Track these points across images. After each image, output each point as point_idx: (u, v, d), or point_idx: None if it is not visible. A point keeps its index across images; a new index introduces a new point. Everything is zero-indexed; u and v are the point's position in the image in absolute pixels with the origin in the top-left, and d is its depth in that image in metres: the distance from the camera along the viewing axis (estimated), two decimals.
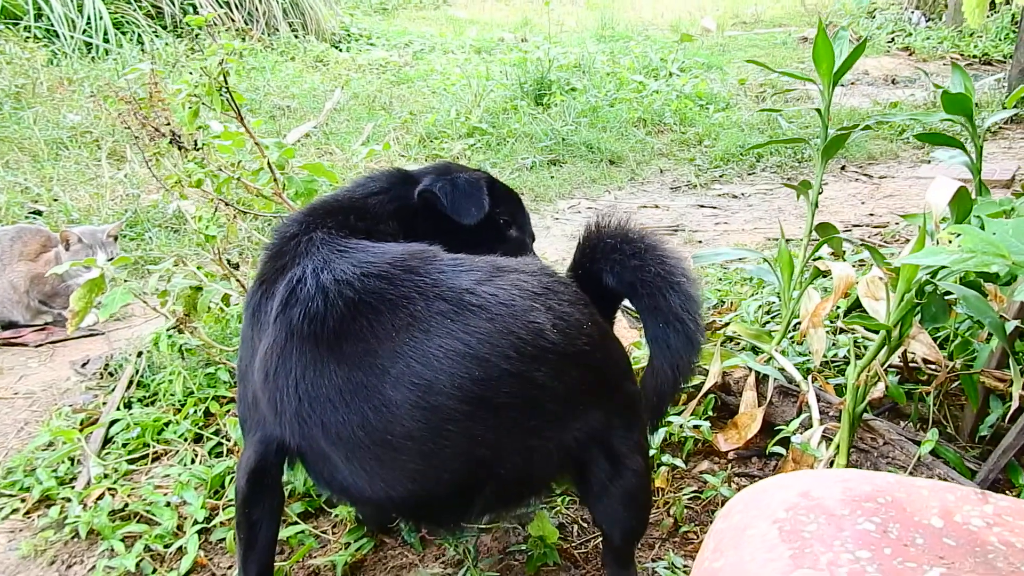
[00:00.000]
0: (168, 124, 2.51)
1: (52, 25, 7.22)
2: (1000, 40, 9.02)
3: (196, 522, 2.14)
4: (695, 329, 1.65)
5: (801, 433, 2.19)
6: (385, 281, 1.51)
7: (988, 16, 9.71)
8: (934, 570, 0.76)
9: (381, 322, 1.45)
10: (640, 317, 1.75)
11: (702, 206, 4.93)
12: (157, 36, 7.73)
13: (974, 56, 8.84)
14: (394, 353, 1.42)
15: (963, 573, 0.75)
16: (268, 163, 2.53)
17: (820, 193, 2.64)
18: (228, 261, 2.60)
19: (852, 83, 8.02)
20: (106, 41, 7.34)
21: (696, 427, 2.39)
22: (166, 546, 2.09)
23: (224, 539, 2.12)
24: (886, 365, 2.09)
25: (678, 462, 2.30)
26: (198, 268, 2.48)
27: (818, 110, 2.60)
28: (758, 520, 0.86)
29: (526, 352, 1.42)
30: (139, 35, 7.64)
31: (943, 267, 1.97)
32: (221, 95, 2.35)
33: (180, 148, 2.46)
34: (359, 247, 1.64)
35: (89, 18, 7.35)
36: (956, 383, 2.27)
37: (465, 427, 1.40)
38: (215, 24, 7.67)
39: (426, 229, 1.84)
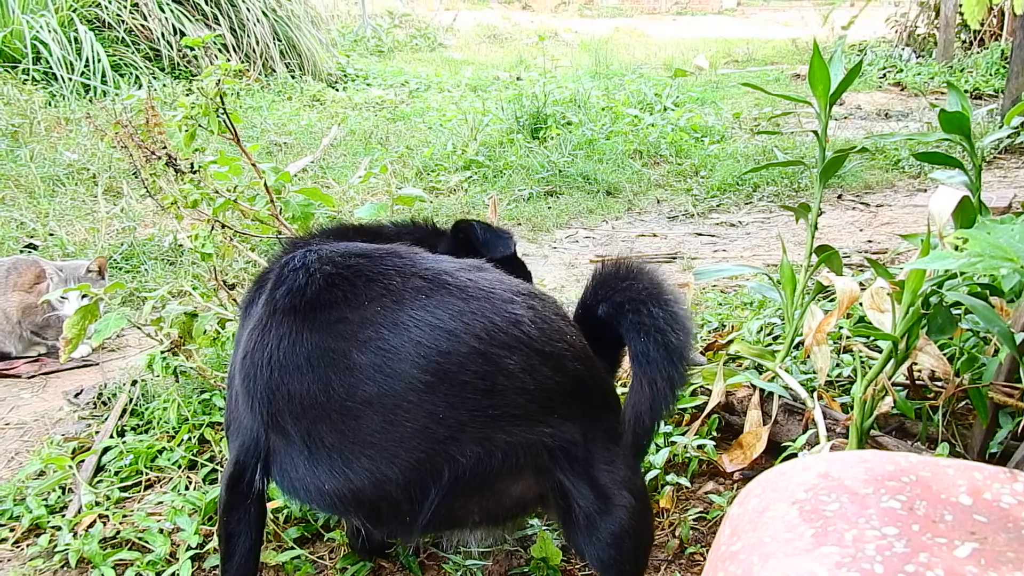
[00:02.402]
0: (164, 148, 2.50)
1: (50, 67, 7.27)
2: (991, 75, 9.13)
3: (189, 548, 2.08)
4: (679, 343, 1.57)
5: (808, 450, 2.14)
6: (365, 259, 1.52)
7: (978, 52, 9.86)
8: (966, 545, 0.72)
9: (356, 293, 1.45)
10: (625, 337, 1.66)
11: (700, 234, 4.93)
12: (155, 78, 7.80)
13: (965, 91, 8.93)
14: (364, 320, 1.41)
15: (997, 548, 0.72)
16: (265, 186, 2.52)
17: (820, 214, 2.63)
18: (224, 282, 2.58)
19: (845, 117, 8.09)
20: (104, 83, 7.39)
21: (700, 447, 2.34)
22: (158, 573, 2.03)
23: (218, 566, 2.06)
24: (892, 380, 2.06)
25: (683, 481, 2.26)
26: (194, 288, 2.45)
27: (815, 132, 2.60)
28: (777, 502, 0.83)
29: (498, 337, 1.39)
30: (137, 76, 7.70)
31: (949, 277, 1.96)
32: (218, 116, 2.34)
33: (177, 171, 2.44)
34: (350, 244, 1.66)
35: (87, 60, 7.42)
36: (964, 402, 2.23)
37: (425, 399, 1.36)
38: (214, 58, 7.74)
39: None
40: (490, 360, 1.37)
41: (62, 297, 3.31)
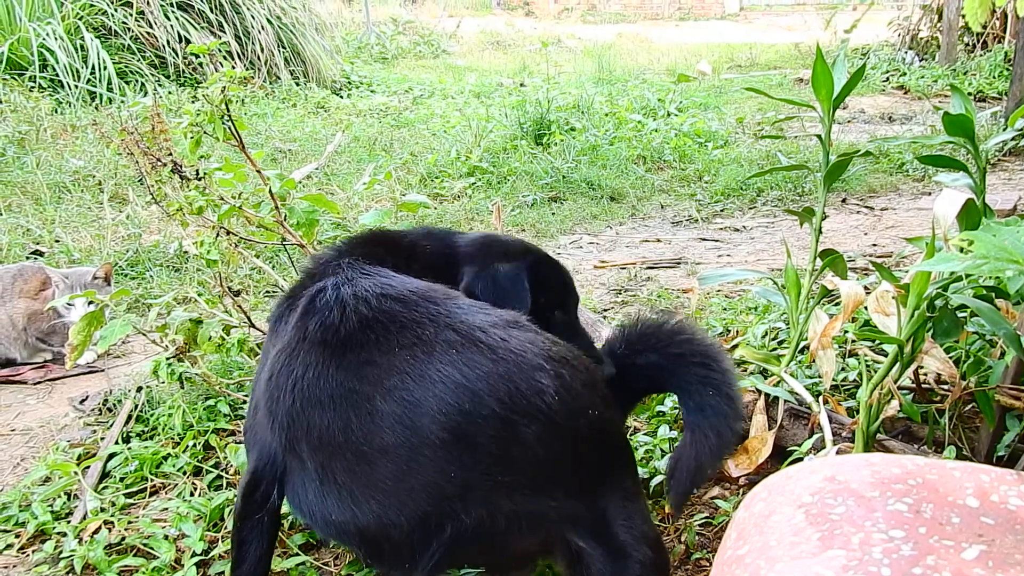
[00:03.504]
0: (170, 155, 2.51)
1: (57, 75, 7.31)
2: (994, 78, 9.11)
3: (195, 554, 2.09)
4: (739, 399, 1.67)
5: (814, 455, 2.14)
6: (401, 304, 1.52)
7: (981, 55, 9.85)
8: (973, 547, 0.72)
9: (388, 339, 1.46)
10: (684, 387, 1.74)
11: (704, 239, 4.92)
12: (160, 85, 7.83)
13: (969, 93, 8.92)
14: (391, 367, 1.42)
15: (1004, 550, 0.71)
16: (270, 192, 2.52)
17: (824, 218, 2.63)
18: (229, 288, 2.58)
19: (849, 121, 8.08)
20: (110, 90, 7.43)
21: None
22: None
23: (223, 572, 2.06)
24: (898, 383, 2.05)
25: None
26: (199, 295, 2.45)
27: (819, 136, 2.59)
28: (783, 506, 0.82)
29: (520, 405, 1.39)
30: (142, 84, 7.74)
31: (954, 280, 1.95)
32: (223, 123, 2.35)
33: (182, 177, 2.45)
34: (383, 272, 1.66)
35: (93, 68, 7.45)
36: (970, 405, 2.22)
37: (440, 456, 1.37)
38: (219, 65, 7.76)
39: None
40: (508, 427, 1.38)
41: (68, 304, 3.32)
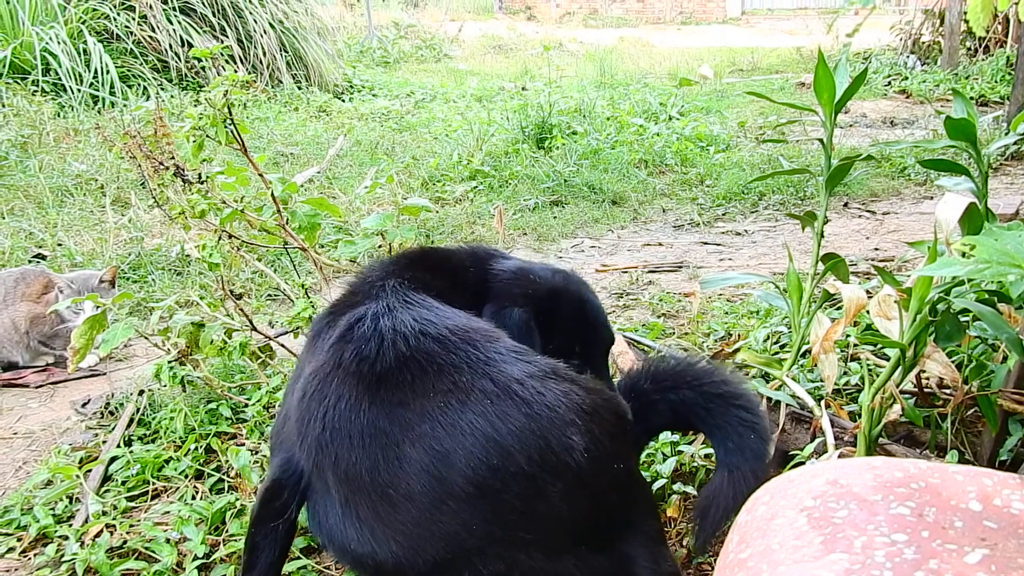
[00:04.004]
0: (173, 158, 2.51)
1: (59, 79, 7.32)
2: (996, 82, 9.11)
3: (196, 558, 2.08)
4: (770, 444, 1.69)
5: (816, 459, 2.13)
6: (440, 345, 1.51)
7: (983, 59, 9.86)
8: (976, 551, 0.72)
9: (423, 381, 1.45)
10: (719, 427, 1.75)
11: (706, 243, 4.92)
12: (163, 89, 7.84)
13: (971, 98, 8.91)
14: (424, 412, 1.41)
15: (1007, 555, 0.71)
16: (272, 196, 2.52)
17: (826, 222, 2.63)
18: (231, 291, 2.58)
19: (851, 125, 8.08)
20: (112, 94, 7.44)
21: (708, 456, 2.33)
22: None
23: (225, 575, 2.06)
24: (900, 387, 2.05)
25: (690, 490, 2.25)
26: (201, 298, 2.45)
27: (821, 140, 2.59)
28: (785, 509, 0.82)
29: (549, 462, 1.39)
30: (145, 88, 7.75)
31: (956, 284, 1.95)
32: (225, 127, 2.35)
33: (184, 181, 2.45)
34: (425, 303, 1.65)
35: (96, 72, 7.46)
36: (972, 409, 2.22)
37: (464, 509, 1.37)
38: (221, 69, 7.79)
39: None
40: (535, 485, 1.38)
41: (77, 308, 3.32)
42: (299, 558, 2.08)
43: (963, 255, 1.63)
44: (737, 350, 2.85)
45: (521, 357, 1.52)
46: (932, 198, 5.54)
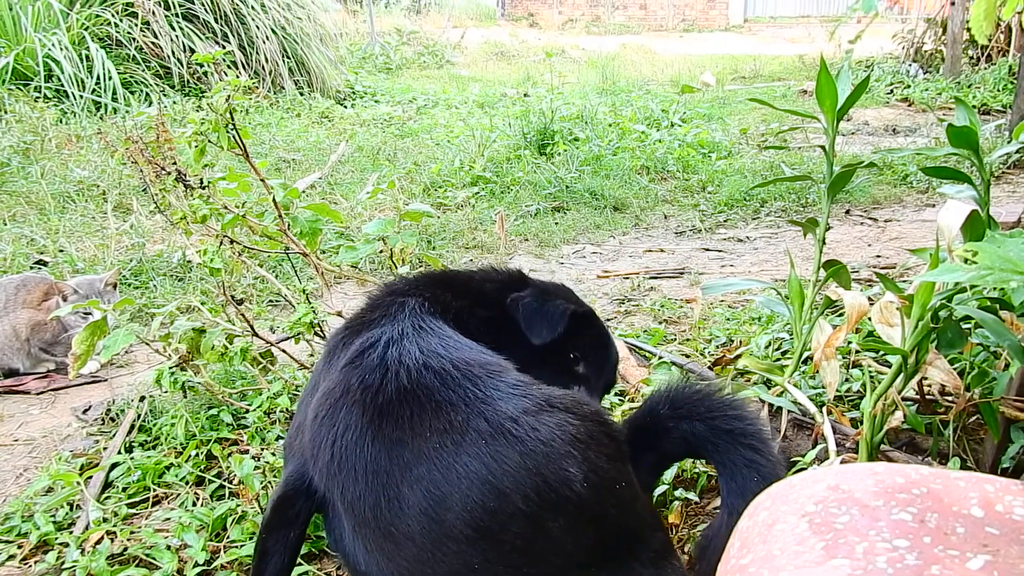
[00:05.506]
0: (175, 164, 2.52)
1: (62, 85, 7.34)
2: (998, 90, 9.13)
3: (197, 565, 2.08)
4: (772, 481, 1.67)
5: (818, 465, 2.13)
6: (439, 380, 1.52)
7: (985, 68, 9.86)
8: (978, 557, 0.71)
9: (421, 418, 1.46)
10: (728, 464, 1.73)
11: (707, 249, 4.92)
12: (165, 95, 7.86)
13: (973, 106, 8.92)
14: (420, 453, 1.42)
15: (1009, 560, 0.71)
16: (274, 201, 2.53)
17: (828, 229, 2.62)
18: (232, 297, 2.58)
19: (853, 133, 8.09)
20: (114, 100, 7.46)
21: (709, 462, 2.33)
22: None
23: None
24: (902, 394, 2.04)
25: (692, 496, 2.24)
26: (202, 304, 2.45)
27: (823, 147, 2.59)
28: (786, 515, 0.82)
29: (547, 498, 1.38)
30: (147, 94, 7.77)
31: (958, 291, 1.95)
32: (227, 132, 2.36)
33: (186, 187, 2.46)
34: (438, 330, 1.67)
35: (98, 78, 7.48)
36: (974, 416, 2.21)
37: (464, 550, 1.38)
38: (223, 74, 7.81)
39: (511, 333, 1.91)
40: (534, 523, 1.38)
41: (85, 313, 3.31)
42: (300, 564, 2.08)
43: (965, 262, 1.62)
44: (739, 356, 2.84)
45: (518, 391, 1.52)
46: (934, 205, 5.54)
